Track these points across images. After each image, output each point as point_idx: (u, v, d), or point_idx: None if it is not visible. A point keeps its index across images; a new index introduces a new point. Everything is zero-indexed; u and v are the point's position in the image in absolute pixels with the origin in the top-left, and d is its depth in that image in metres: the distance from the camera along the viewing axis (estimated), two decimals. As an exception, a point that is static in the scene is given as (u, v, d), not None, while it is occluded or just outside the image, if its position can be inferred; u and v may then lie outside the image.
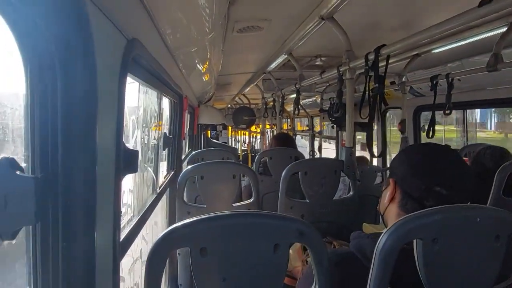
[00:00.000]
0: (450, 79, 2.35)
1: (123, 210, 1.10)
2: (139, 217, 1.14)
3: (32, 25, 0.49)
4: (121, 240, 0.80)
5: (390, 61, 2.22)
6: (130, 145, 1.24)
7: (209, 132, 8.01)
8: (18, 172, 0.47)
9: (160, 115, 1.90)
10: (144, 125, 1.53)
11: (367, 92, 1.82)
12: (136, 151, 0.85)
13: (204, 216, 0.73)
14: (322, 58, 2.98)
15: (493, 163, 1.86)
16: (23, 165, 0.49)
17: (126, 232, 0.96)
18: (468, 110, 3.67)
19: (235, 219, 0.74)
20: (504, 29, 1.73)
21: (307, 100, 5.50)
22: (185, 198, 2.05)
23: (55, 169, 0.52)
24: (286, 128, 6.45)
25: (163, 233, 0.72)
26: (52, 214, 0.52)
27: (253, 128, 7.74)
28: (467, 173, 0.92)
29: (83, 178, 0.55)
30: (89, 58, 0.56)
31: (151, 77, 1.26)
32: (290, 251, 1.52)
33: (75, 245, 0.54)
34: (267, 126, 6.57)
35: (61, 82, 0.53)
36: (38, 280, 0.52)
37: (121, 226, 1.06)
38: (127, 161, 0.82)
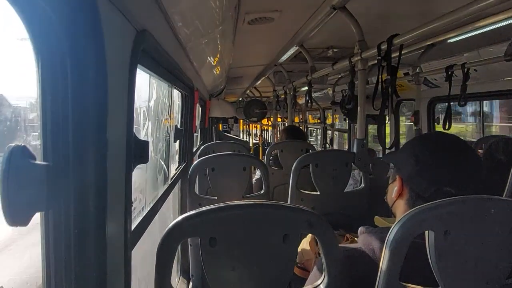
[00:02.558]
0: (466, 69, 2.29)
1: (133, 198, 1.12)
2: (150, 207, 1.16)
3: (43, 16, 0.50)
4: (132, 229, 0.81)
5: (404, 51, 2.17)
6: (141, 136, 1.26)
7: (220, 125, 8.04)
8: (30, 160, 0.48)
9: (171, 107, 1.91)
10: (156, 117, 1.54)
11: (379, 84, 1.79)
12: (147, 142, 0.85)
13: (214, 206, 0.74)
14: (334, 50, 2.94)
15: (505, 155, 1.82)
16: (35, 153, 0.50)
17: (138, 222, 0.97)
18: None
19: (244, 210, 0.74)
20: (523, 16, 1.67)
21: (319, 93, 5.46)
22: (197, 190, 2.06)
23: (66, 158, 0.53)
24: (298, 121, 6.42)
25: (173, 223, 0.73)
26: (64, 201, 0.53)
27: (264, 121, 7.73)
28: (477, 167, 0.88)
29: (94, 166, 0.56)
30: (99, 49, 0.56)
31: (161, 69, 1.26)
32: (303, 243, 1.53)
33: (86, 231, 0.55)
34: (279, 119, 6.55)
35: (71, 73, 0.54)
36: (51, 266, 0.54)
37: (133, 216, 1.08)
38: (138, 151, 0.83)
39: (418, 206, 0.75)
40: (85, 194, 0.55)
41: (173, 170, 2.07)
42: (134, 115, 0.81)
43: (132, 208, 1.05)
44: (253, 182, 2.47)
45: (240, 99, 7.62)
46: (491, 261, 0.75)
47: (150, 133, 1.38)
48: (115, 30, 0.65)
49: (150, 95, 1.37)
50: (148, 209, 1.13)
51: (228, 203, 0.75)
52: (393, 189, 0.95)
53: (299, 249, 1.53)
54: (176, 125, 2.06)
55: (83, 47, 0.54)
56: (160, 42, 1.07)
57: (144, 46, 0.84)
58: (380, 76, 1.78)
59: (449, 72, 2.42)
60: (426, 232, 0.74)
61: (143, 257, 1.33)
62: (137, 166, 0.87)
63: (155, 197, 1.36)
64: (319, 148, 5.64)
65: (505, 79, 2.54)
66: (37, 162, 0.50)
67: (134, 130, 0.81)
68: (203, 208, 0.74)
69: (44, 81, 0.53)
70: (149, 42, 0.89)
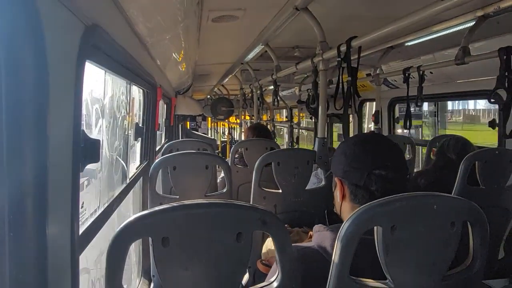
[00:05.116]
0: (421, 71, 2.41)
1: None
2: (103, 208, 1.12)
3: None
4: (80, 233, 0.78)
5: (365, 53, 2.25)
6: (93, 134, 1.21)
7: (188, 123, 7.93)
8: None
9: (130, 104, 1.86)
10: (112, 114, 1.49)
11: (341, 84, 1.84)
12: (98, 140, 0.82)
13: (165, 206, 0.73)
14: (300, 49, 2.99)
15: (455, 154, 1.94)
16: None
17: (88, 225, 0.94)
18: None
19: (196, 209, 0.73)
20: (472, 23, 1.78)
21: (286, 92, 5.52)
22: (160, 189, 2.02)
23: (0, 157, 0.50)
24: (266, 119, 6.46)
25: (124, 223, 0.71)
26: None
27: (232, 119, 7.70)
28: (397, 150, 1.00)
29: (32, 167, 0.53)
30: (37, 44, 0.53)
31: (118, 66, 1.22)
32: (269, 241, 1.54)
33: (24, 236, 0.52)
34: (247, 117, 6.56)
35: (6, 69, 0.51)
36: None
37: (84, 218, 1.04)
38: (88, 151, 0.80)
39: (367, 204, 0.78)
40: (22, 195, 0.52)
41: (134, 169, 2.01)
42: (85, 113, 0.78)
43: (83, 209, 1.02)
44: (218, 180, 2.46)
45: (208, 96, 7.56)
46: (434, 254, 0.80)
47: (104, 131, 1.33)
48: (58, 24, 0.62)
49: (105, 91, 1.32)
50: (101, 211, 1.09)
51: (180, 202, 0.74)
52: (337, 194, 1.01)
53: (264, 247, 1.54)
54: (136, 123, 2.00)
55: (19, 41, 0.51)
56: (115, 38, 1.03)
57: (94, 41, 0.81)
58: (341, 77, 1.82)
59: (406, 74, 2.53)
60: (375, 227, 0.77)
61: (98, 258, 1.28)
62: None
63: (110, 197, 1.31)
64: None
65: (458, 81, 2.70)
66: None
67: (85, 128, 0.78)
68: (155, 208, 0.72)
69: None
70: (101, 38, 0.86)
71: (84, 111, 0.92)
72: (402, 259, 0.78)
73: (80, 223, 0.78)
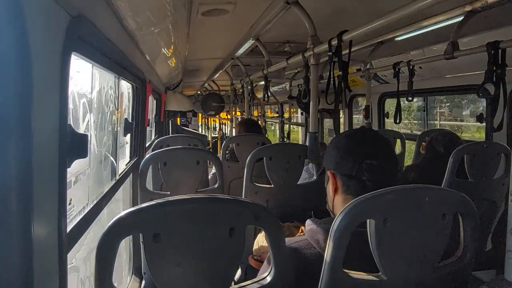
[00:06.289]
0: (411, 66, 2.42)
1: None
2: (92, 205, 1.09)
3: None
4: (68, 231, 0.76)
5: (355, 47, 2.25)
6: (81, 130, 1.18)
7: (178, 119, 7.86)
8: None
9: (119, 99, 1.82)
10: (100, 109, 1.46)
11: (332, 79, 1.84)
12: (85, 135, 0.80)
13: (156, 202, 0.71)
14: (291, 44, 2.97)
15: (444, 148, 1.98)
16: None
17: (76, 222, 0.91)
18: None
19: (189, 204, 0.72)
20: (461, 18, 1.80)
21: (277, 87, 5.51)
22: (151, 185, 2.00)
23: None
24: (257, 114, 6.44)
25: (114, 219, 0.69)
26: None
27: (223, 114, 7.67)
28: (386, 143, 1.02)
29: (16, 164, 0.51)
30: (21, 37, 0.51)
31: (106, 59, 1.19)
32: (261, 236, 1.54)
33: (8, 235, 0.50)
34: (238, 113, 6.54)
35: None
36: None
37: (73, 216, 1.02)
38: (76, 146, 0.78)
39: (359, 197, 0.78)
40: (6, 192, 0.50)
41: (124, 165, 1.98)
42: (72, 107, 0.75)
43: (70, 206, 0.99)
44: (210, 176, 2.44)
45: (199, 92, 7.50)
46: (426, 246, 0.80)
47: (92, 126, 1.30)
48: (42, 15, 0.59)
49: (92, 85, 1.29)
50: (90, 208, 1.06)
51: (172, 197, 0.73)
52: (329, 188, 1.00)
53: (256, 242, 1.54)
54: (125, 118, 1.97)
55: (0, 32, 0.49)
56: (103, 30, 1.01)
57: (81, 33, 0.79)
58: (332, 72, 1.82)
59: (396, 69, 2.54)
60: (368, 220, 0.77)
61: (87, 256, 1.26)
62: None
63: (99, 194, 1.29)
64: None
65: (447, 76, 2.73)
66: None
67: (72, 123, 0.76)
68: (145, 204, 0.71)
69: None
70: (87, 29, 0.84)
71: (71, 105, 0.90)
72: (395, 251, 0.78)
73: (68, 220, 0.76)
